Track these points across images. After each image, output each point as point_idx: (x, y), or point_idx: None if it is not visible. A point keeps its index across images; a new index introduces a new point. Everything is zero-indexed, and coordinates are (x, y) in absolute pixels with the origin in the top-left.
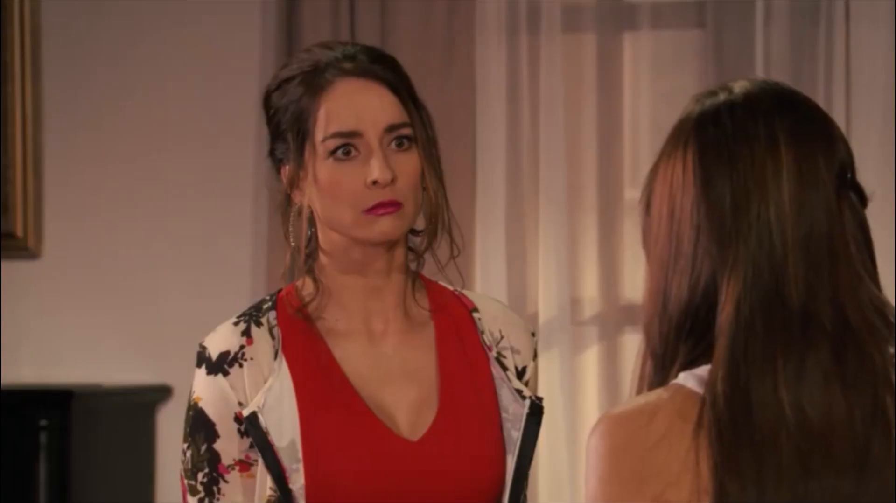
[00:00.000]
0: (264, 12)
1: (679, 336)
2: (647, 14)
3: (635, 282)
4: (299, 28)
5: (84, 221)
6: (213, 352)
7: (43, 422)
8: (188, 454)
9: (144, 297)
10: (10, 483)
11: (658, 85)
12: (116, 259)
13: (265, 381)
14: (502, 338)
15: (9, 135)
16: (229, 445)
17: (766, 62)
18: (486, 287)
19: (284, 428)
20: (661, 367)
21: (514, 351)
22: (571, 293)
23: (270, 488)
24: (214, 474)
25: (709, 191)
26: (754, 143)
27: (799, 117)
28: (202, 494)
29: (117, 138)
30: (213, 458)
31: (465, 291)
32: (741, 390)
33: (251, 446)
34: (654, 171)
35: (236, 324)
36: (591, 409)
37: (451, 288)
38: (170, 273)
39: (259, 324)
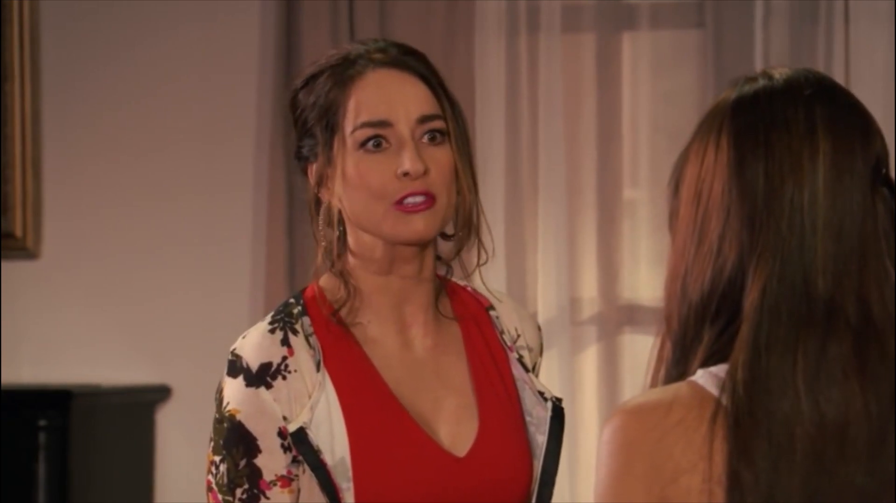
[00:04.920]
0: (263, 13)
1: (702, 319)
2: (647, 14)
3: (634, 282)
4: (298, 29)
5: (83, 221)
6: (253, 362)
7: (42, 423)
8: (222, 468)
9: (143, 298)
10: (9, 483)
11: (657, 85)
12: (115, 259)
13: (309, 395)
14: (519, 336)
15: (8, 134)
16: (272, 461)
17: (766, 62)
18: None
19: (336, 444)
20: (681, 351)
21: (529, 349)
22: (571, 293)
23: None
24: (255, 490)
25: (742, 173)
26: (792, 129)
27: (839, 107)
28: None
29: (116, 138)
30: (254, 474)
31: (476, 287)
32: (761, 379)
33: (293, 461)
34: (685, 154)
35: (272, 331)
36: (591, 409)
37: (462, 284)
38: (169, 273)
39: (295, 332)
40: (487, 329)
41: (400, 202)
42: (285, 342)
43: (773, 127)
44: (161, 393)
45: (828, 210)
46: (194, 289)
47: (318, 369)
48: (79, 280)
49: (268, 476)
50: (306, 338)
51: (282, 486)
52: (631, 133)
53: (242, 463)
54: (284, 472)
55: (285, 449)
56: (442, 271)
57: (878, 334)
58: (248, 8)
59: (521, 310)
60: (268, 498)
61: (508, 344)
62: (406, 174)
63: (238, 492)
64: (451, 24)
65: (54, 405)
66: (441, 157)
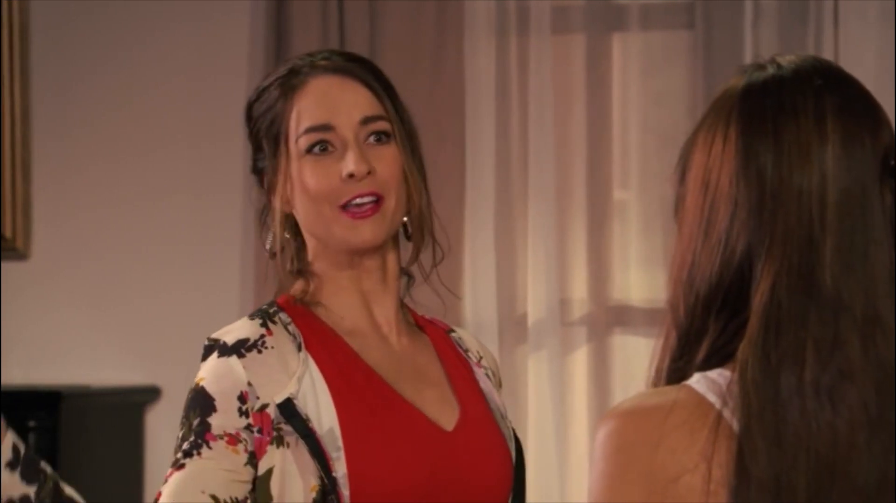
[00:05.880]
0: (253, 14)
1: (708, 311)
2: (637, 15)
3: (624, 283)
4: (288, 30)
5: (73, 222)
6: (230, 339)
7: (32, 423)
8: (180, 434)
9: (133, 299)
10: None
11: (647, 85)
12: (105, 260)
13: (293, 373)
14: (481, 358)
15: None
16: (225, 420)
17: None
18: (476, 288)
19: (322, 416)
20: (686, 343)
21: (493, 373)
22: (560, 294)
23: (318, 476)
24: (199, 441)
25: (750, 164)
26: (801, 119)
27: (848, 95)
28: (180, 458)
29: (106, 140)
30: (203, 429)
31: (434, 317)
32: (771, 381)
33: (247, 428)
34: (692, 141)
35: (252, 318)
36: (580, 410)
37: (419, 314)
38: (158, 274)
39: (274, 322)
40: (451, 345)
41: (346, 207)
42: (264, 325)
43: (782, 117)
44: (151, 394)
45: (836, 202)
46: (184, 290)
47: (299, 350)
48: (69, 281)
49: (216, 431)
50: (285, 326)
51: (228, 443)
52: (621, 134)
53: (196, 422)
54: (233, 432)
55: (241, 412)
56: (403, 281)
57: (885, 331)
58: (239, 9)
59: (483, 344)
60: (210, 448)
61: (474, 360)
62: (351, 176)
63: (185, 444)
64: (440, 24)
65: (44, 406)
66: (387, 155)
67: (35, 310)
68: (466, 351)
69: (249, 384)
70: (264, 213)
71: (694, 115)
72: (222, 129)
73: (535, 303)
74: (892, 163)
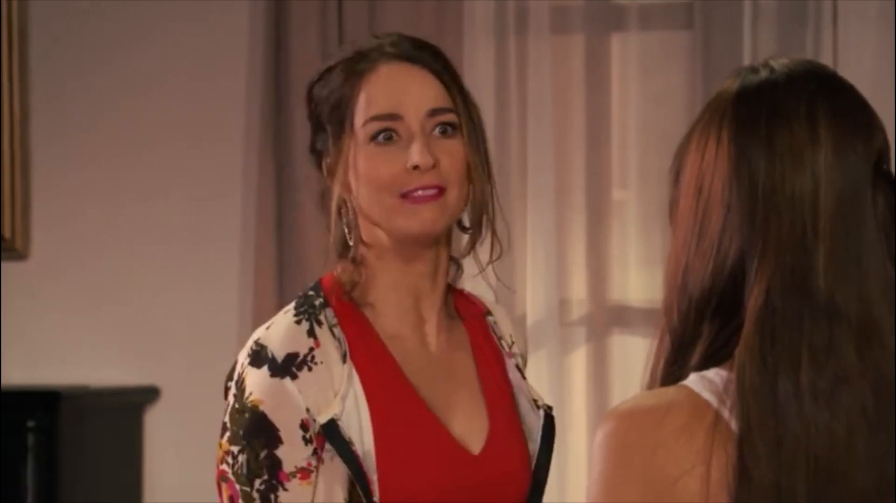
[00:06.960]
0: (252, 14)
1: (701, 315)
2: (636, 15)
3: (623, 283)
4: (287, 30)
5: (72, 223)
6: (279, 352)
7: (30, 424)
8: (241, 458)
9: (132, 299)
10: None
11: (646, 86)
12: (104, 260)
13: (337, 390)
14: (513, 343)
15: None
16: (292, 452)
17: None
18: (474, 288)
19: (364, 436)
20: (680, 347)
21: (522, 356)
22: (559, 294)
23: (345, 497)
24: (274, 481)
25: (743, 170)
26: (794, 124)
27: (841, 100)
28: (257, 501)
29: (105, 140)
30: (274, 465)
31: (470, 293)
32: (769, 385)
33: (314, 453)
34: (686, 142)
35: (298, 322)
36: (579, 410)
37: (458, 287)
38: (157, 274)
39: (320, 324)
40: (485, 331)
41: (407, 194)
42: (311, 333)
43: (775, 122)
44: (149, 394)
45: (828, 207)
46: (183, 290)
47: (344, 361)
48: (67, 281)
49: (287, 467)
50: (330, 328)
51: (301, 478)
52: (620, 134)
53: (263, 453)
54: (304, 464)
55: (306, 441)
56: (453, 270)
57: (881, 335)
58: (238, 9)
59: (513, 323)
60: (286, 489)
61: (506, 349)
62: (416, 167)
63: (256, 482)
64: (440, 24)
65: (43, 406)
66: (453, 148)
67: (34, 310)
68: (500, 338)
69: (307, 410)
70: (325, 196)
71: (693, 115)
72: (221, 129)
73: (534, 303)
74: (885, 167)
